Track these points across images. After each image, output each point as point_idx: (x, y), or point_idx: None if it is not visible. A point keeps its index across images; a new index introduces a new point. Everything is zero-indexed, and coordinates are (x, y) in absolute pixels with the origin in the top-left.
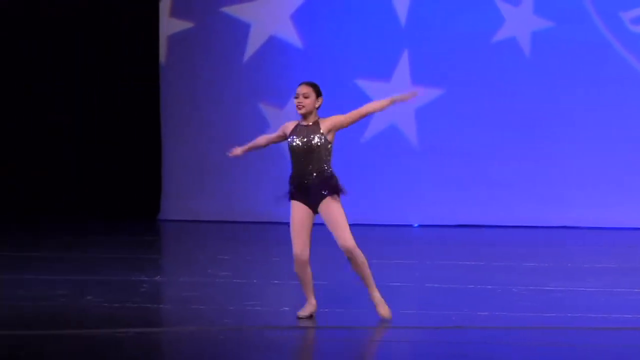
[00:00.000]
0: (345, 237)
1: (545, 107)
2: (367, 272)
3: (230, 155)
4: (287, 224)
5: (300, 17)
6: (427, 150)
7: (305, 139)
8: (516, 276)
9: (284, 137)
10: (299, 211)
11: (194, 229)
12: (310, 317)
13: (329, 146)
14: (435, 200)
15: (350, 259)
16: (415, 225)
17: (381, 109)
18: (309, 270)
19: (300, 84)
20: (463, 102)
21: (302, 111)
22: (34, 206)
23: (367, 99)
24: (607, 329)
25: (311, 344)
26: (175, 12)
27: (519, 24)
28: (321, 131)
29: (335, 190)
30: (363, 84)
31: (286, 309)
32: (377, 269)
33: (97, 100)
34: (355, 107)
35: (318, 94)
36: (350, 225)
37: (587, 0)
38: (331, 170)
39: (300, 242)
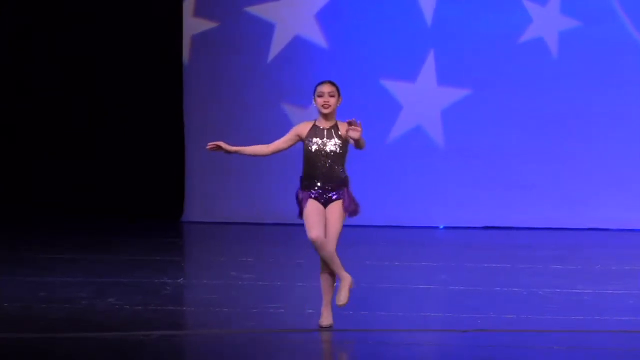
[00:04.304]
0: (332, 243)
1: (573, 107)
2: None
3: (208, 147)
4: None
5: (325, 17)
6: (452, 151)
7: (325, 143)
8: (543, 278)
9: (298, 140)
10: (312, 203)
11: (217, 231)
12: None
13: (347, 150)
14: (461, 201)
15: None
16: (441, 227)
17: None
18: (329, 246)
19: (324, 83)
20: (489, 103)
21: (328, 110)
22: (55, 207)
23: (393, 100)
24: (635, 332)
25: (336, 347)
26: (198, 12)
27: (546, 24)
28: (341, 135)
29: (348, 202)
30: (388, 84)
31: (310, 311)
32: (402, 271)
33: (119, 100)
34: (380, 107)
35: (339, 93)
36: (375, 227)
37: None
38: (345, 174)
39: (315, 227)
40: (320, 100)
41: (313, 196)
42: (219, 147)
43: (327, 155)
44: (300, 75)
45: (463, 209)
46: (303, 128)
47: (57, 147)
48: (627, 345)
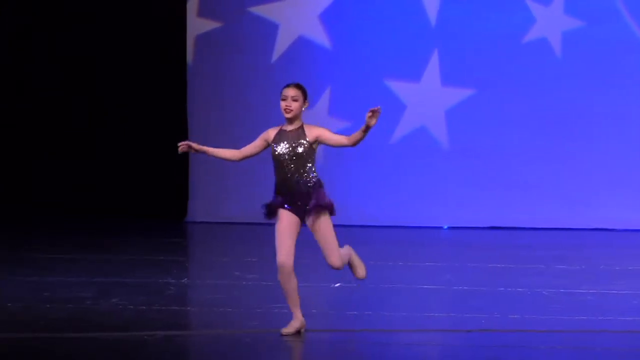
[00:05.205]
0: (335, 257)
1: (577, 107)
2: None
3: (179, 149)
4: None
5: (328, 17)
6: (456, 152)
7: (290, 146)
8: (547, 279)
9: (266, 145)
10: (285, 218)
11: (221, 231)
12: (299, 333)
13: (314, 153)
14: (465, 202)
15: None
16: (445, 227)
17: (358, 142)
18: (293, 279)
19: (288, 86)
20: (493, 103)
21: (290, 115)
22: (55, 207)
23: (397, 100)
24: (639, 332)
25: (340, 348)
26: (202, 12)
27: (550, 24)
28: (307, 139)
29: (324, 206)
30: (392, 84)
31: (314, 311)
32: (406, 271)
33: (123, 100)
34: (384, 107)
35: (305, 97)
36: (379, 227)
37: None
38: (317, 177)
39: (284, 250)
40: (282, 104)
41: (285, 205)
42: (189, 147)
43: (294, 158)
44: (304, 75)
45: (467, 209)
46: (270, 133)
47: (57, 147)
48: (631, 345)
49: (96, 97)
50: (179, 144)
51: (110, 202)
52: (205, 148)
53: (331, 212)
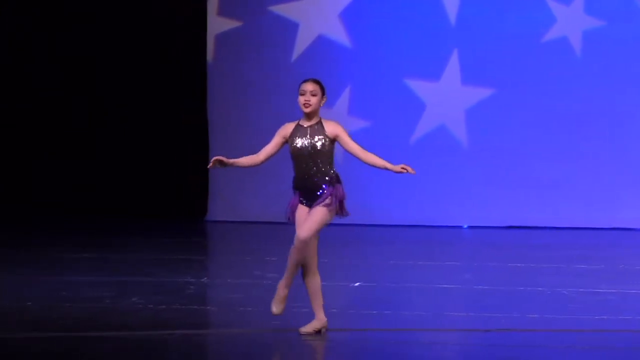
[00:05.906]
0: (308, 229)
1: (597, 107)
2: (292, 268)
3: (210, 165)
4: (335, 225)
5: (348, 16)
6: (476, 151)
7: (308, 141)
8: (567, 278)
9: (284, 142)
10: (301, 217)
11: (241, 230)
12: (319, 332)
13: (333, 148)
14: (485, 201)
15: (293, 248)
16: (465, 226)
17: (372, 165)
18: (316, 276)
19: (306, 81)
20: (513, 102)
21: (309, 110)
22: (79, 207)
23: (417, 99)
24: None
25: (359, 347)
26: (222, 11)
27: (570, 23)
28: (326, 133)
29: (330, 200)
30: (412, 83)
31: (334, 310)
32: (426, 271)
33: (143, 99)
34: (404, 106)
35: (324, 92)
36: (399, 226)
37: None
38: (335, 173)
39: None
40: (301, 99)
41: (303, 201)
42: (219, 162)
43: (312, 153)
44: (324, 74)
45: (487, 209)
46: (287, 128)
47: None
48: None
49: (96, 97)
50: (211, 161)
51: (130, 201)
52: (233, 161)
53: (340, 213)
